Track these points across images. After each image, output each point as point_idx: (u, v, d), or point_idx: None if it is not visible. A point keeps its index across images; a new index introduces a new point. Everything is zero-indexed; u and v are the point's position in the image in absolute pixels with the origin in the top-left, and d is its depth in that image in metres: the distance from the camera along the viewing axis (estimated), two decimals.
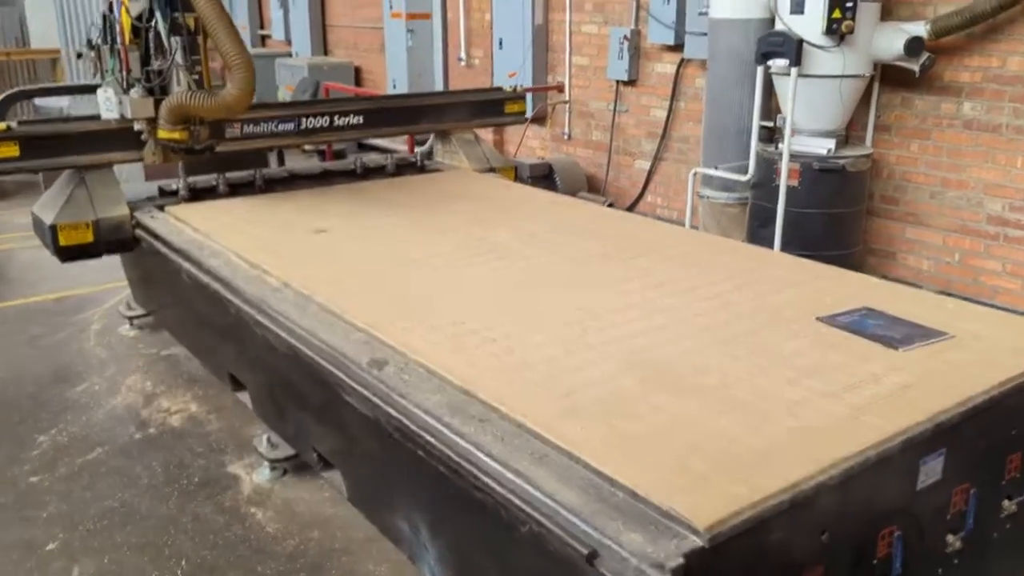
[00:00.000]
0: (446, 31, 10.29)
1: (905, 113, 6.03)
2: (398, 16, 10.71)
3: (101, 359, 5.33)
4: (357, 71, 12.38)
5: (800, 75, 5.58)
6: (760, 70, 5.77)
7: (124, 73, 4.62)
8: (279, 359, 3.53)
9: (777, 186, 5.84)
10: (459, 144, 6.24)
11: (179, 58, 4.60)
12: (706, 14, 6.92)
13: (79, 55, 4.66)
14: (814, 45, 5.50)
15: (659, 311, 3.23)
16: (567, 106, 8.91)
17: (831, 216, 5.84)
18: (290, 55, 13.26)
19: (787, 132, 5.64)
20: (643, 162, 8.21)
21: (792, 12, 5.62)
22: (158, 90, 4.69)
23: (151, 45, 4.58)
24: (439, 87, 10.53)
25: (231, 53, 4.43)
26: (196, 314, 4.56)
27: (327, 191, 5.34)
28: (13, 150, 4.58)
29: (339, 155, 9.79)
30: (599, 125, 8.59)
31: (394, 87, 11.21)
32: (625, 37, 7.86)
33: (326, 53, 13.16)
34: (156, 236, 4.59)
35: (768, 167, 5.93)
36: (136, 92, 4.58)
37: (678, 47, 7.52)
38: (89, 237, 4.76)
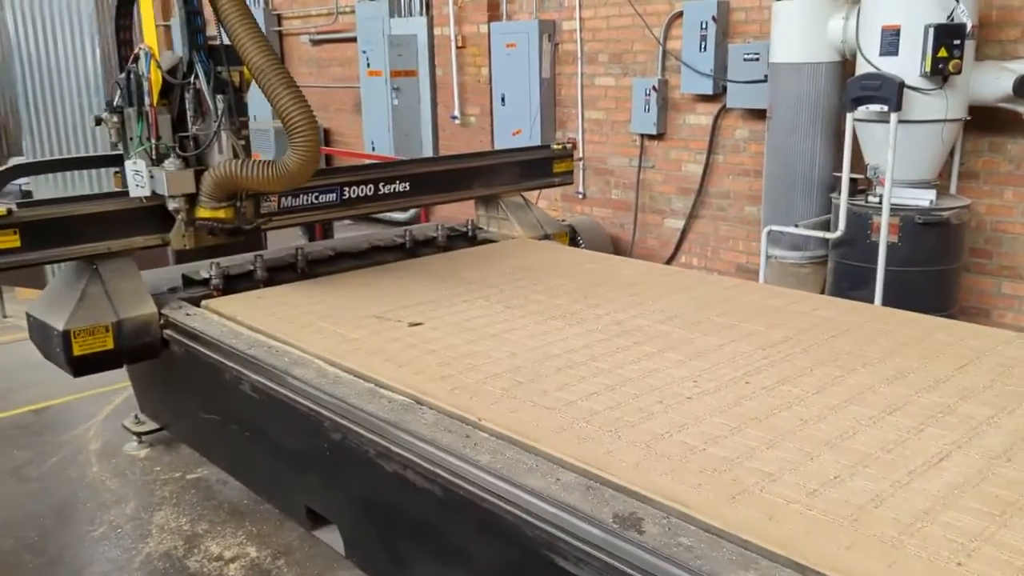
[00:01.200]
0: (435, 88, 9.62)
1: (996, 158, 5.58)
2: (376, 74, 10.00)
3: (113, 490, 4.32)
4: (326, 133, 11.57)
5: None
6: (849, 117, 5.23)
7: (154, 140, 3.76)
8: (421, 502, 2.69)
9: (872, 243, 5.27)
10: (509, 209, 5.52)
11: (224, 121, 3.77)
12: (755, 60, 6.44)
13: (98, 121, 3.75)
14: (915, 88, 5.00)
15: (938, 417, 2.53)
16: (580, 163, 8.29)
17: (934, 274, 5.29)
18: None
19: (888, 184, 5.09)
20: (674, 220, 7.62)
21: (883, 53, 5.12)
22: (193, 160, 3.84)
23: (189, 105, 3.73)
24: (427, 147, 9.83)
25: (292, 112, 3.64)
26: (257, 434, 3.66)
27: (386, 271, 4.51)
28: (13, 240, 3.65)
29: (327, 230, 8.91)
30: (620, 182, 7.98)
31: (373, 149, 10.46)
32: (653, 88, 7.30)
33: None
34: (199, 339, 3.70)
35: (859, 223, 5.36)
36: (172, 164, 3.72)
37: (715, 97, 7.00)
38: (109, 343, 3.82)
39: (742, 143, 6.95)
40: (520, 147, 5.80)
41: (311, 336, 3.44)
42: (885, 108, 5.02)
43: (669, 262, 7.63)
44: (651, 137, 7.58)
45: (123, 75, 3.74)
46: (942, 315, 5.07)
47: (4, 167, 4.03)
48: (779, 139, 5.99)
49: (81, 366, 3.80)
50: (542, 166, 5.64)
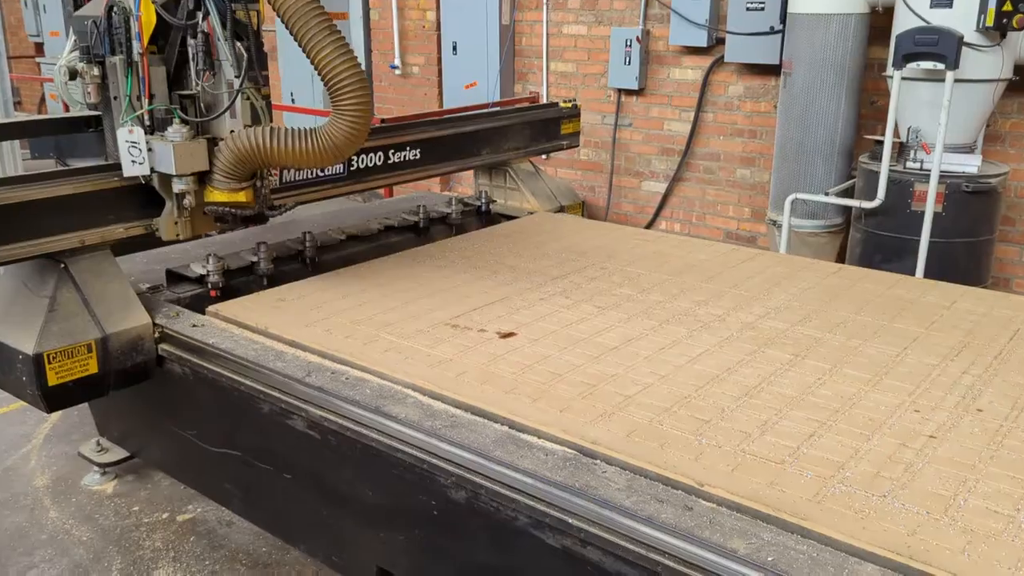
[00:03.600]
0: (369, 33, 8.63)
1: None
2: None
3: (86, 543, 3.43)
4: None
5: (941, 80, 4.66)
6: (896, 76, 4.79)
7: (145, 100, 2.85)
8: None
9: (912, 212, 4.91)
10: (520, 178, 4.83)
11: (238, 73, 2.89)
12: (760, 9, 5.93)
13: (73, 74, 2.81)
14: (971, 45, 4.60)
15: None
16: None
17: (974, 245, 4.99)
18: None
19: (939, 149, 4.70)
20: (653, 183, 7.09)
21: (934, 5, 4.70)
22: (199, 128, 2.95)
23: (197, 55, 2.83)
24: None
25: (337, 67, 2.82)
26: (306, 478, 2.88)
27: (417, 260, 3.74)
28: None
29: None
30: (590, 141, 7.36)
31: (292, 100, 9.43)
32: (636, 39, 6.68)
33: None
34: (220, 358, 2.86)
35: (898, 191, 4.97)
36: (177, 132, 2.82)
37: (707, 49, 6.45)
38: (92, 367, 2.93)
39: (735, 100, 6.46)
40: (522, 105, 5.07)
41: (384, 356, 2.69)
42: (941, 66, 4.61)
43: (648, 228, 7.12)
44: (630, 92, 6.98)
45: (103, 8, 2.79)
46: (979, 288, 4.80)
47: None
48: (797, 98, 5.51)
49: (57, 399, 2.90)
50: (551, 127, 4.97)
